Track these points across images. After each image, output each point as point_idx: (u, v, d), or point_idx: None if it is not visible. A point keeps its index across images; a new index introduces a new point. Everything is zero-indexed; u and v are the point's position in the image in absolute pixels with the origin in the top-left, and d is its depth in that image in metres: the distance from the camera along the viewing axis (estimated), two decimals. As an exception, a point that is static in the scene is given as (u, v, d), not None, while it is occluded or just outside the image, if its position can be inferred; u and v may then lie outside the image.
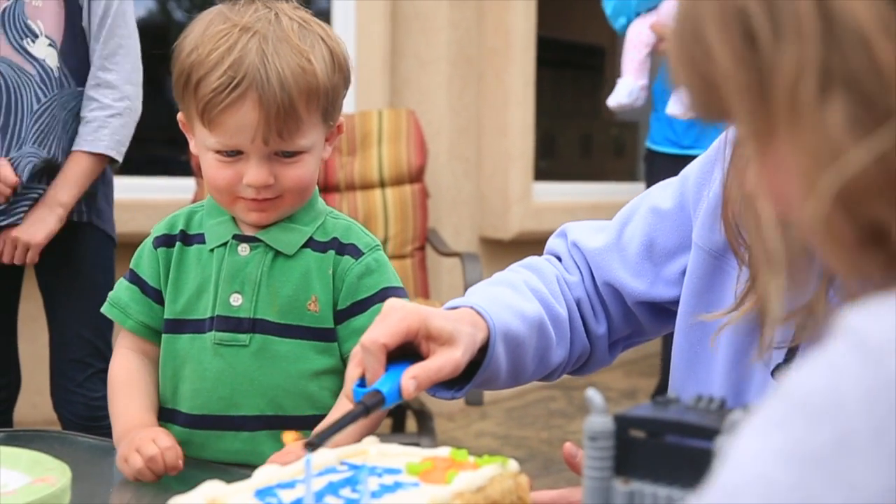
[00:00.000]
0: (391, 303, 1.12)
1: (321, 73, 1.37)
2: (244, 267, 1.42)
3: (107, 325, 2.55)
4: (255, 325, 1.41)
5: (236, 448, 1.41)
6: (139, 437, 1.34)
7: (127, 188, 3.63)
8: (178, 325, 1.44)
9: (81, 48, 2.51)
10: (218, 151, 1.39)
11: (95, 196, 2.57)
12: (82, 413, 2.54)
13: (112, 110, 2.51)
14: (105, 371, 2.30)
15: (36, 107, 2.43)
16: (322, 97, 1.38)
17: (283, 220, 1.45)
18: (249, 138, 1.36)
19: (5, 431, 1.51)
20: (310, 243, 1.44)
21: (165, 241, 1.47)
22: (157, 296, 1.46)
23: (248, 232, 1.44)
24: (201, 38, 1.38)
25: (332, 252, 1.43)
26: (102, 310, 1.48)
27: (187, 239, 1.46)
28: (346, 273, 1.42)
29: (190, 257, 1.45)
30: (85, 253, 2.56)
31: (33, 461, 1.17)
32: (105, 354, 2.52)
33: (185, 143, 1.50)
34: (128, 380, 1.43)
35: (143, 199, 3.79)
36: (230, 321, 1.41)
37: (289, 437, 0.96)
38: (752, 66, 0.55)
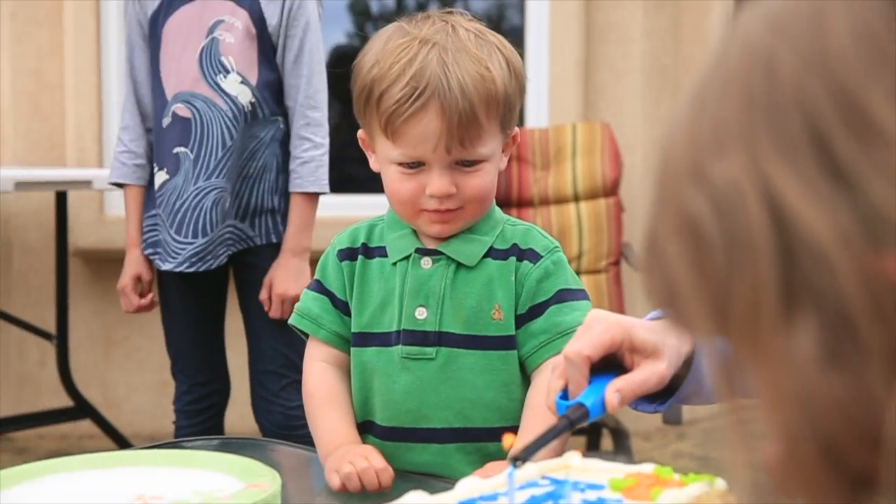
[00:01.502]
0: (594, 314, 1.12)
1: (500, 80, 1.39)
2: (428, 280, 1.43)
3: (298, 338, 2.60)
4: (440, 339, 1.42)
5: (425, 460, 1.43)
6: (351, 453, 1.36)
7: (325, 206, 3.65)
8: (365, 339, 1.45)
9: (275, 83, 2.60)
10: (400, 164, 1.41)
11: (276, 217, 2.66)
12: (280, 422, 2.63)
13: (323, 149, 2.61)
14: (299, 382, 2.42)
15: (228, 142, 2.54)
16: (501, 104, 1.40)
17: (464, 232, 1.45)
18: (432, 147, 1.37)
19: (219, 438, 1.58)
20: (490, 252, 1.45)
21: (349, 254, 1.48)
22: (345, 308, 1.47)
23: (430, 245, 1.45)
24: (382, 52, 1.40)
25: (512, 259, 1.44)
26: (291, 321, 1.50)
27: (369, 252, 1.47)
28: (525, 277, 1.43)
29: (373, 271, 1.46)
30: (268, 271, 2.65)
31: (246, 468, 1.21)
32: (298, 365, 2.54)
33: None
34: (329, 394, 1.45)
35: (342, 217, 3.79)
36: (416, 335, 1.42)
37: (508, 440, 0.96)
38: (709, 281, 0.50)
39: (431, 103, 1.36)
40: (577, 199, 3.69)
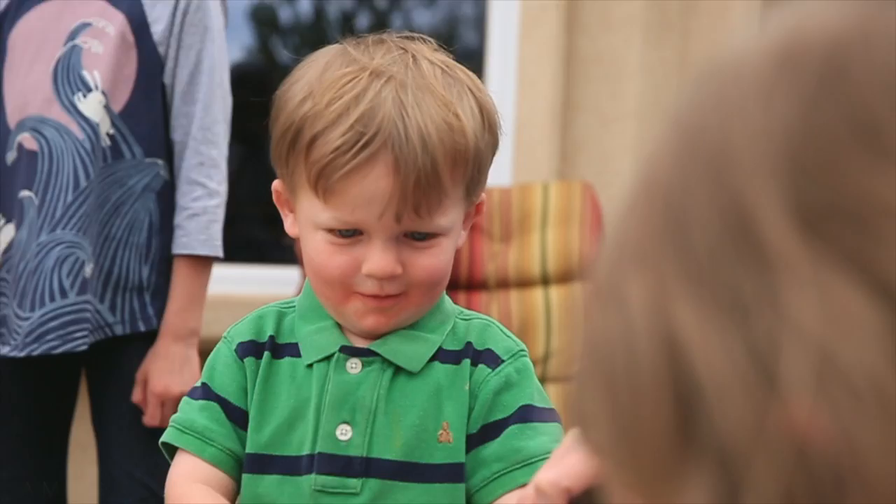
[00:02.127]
0: (572, 436, 1.09)
1: (470, 131, 1.31)
2: (355, 389, 1.33)
3: (164, 463, 2.21)
4: (369, 467, 1.31)
5: None
6: None
7: (214, 280, 3.28)
8: (263, 463, 1.33)
9: (155, 110, 2.32)
10: (331, 230, 1.30)
11: (143, 298, 2.35)
12: None
13: (219, 199, 2.35)
14: None
15: (82, 182, 2.25)
16: (470, 163, 1.32)
17: (406, 328, 1.36)
18: (377, 214, 1.27)
19: None
20: (438, 354, 1.36)
21: (252, 349, 1.36)
22: (243, 419, 1.35)
23: (360, 343, 1.35)
24: (318, 82, 1.30)
25: (466, 362, 1.36)
26: (165, 439, 1.38)
27: (277, 350, 1.36)
28: (479, 388, 1.35)
29: (281, 374, 1.35)
30: (133, 371, 2.34)
31: None
32: (160, 497, 2.34)
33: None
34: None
35: (231, 295, 3.37)
36: (336, 461, 1.31)
37: None
38: (618, 416, 0.49)
39: (381, 155, 1.27)
40: (545, 281, 3.43)
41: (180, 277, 2.33)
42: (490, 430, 1.34)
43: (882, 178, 0.43)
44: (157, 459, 2.42)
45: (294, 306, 1.39)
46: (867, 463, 0.42)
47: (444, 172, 1.30)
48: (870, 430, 0.42)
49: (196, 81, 2.33)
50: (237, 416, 1.36)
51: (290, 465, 1.34)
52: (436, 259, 1.33)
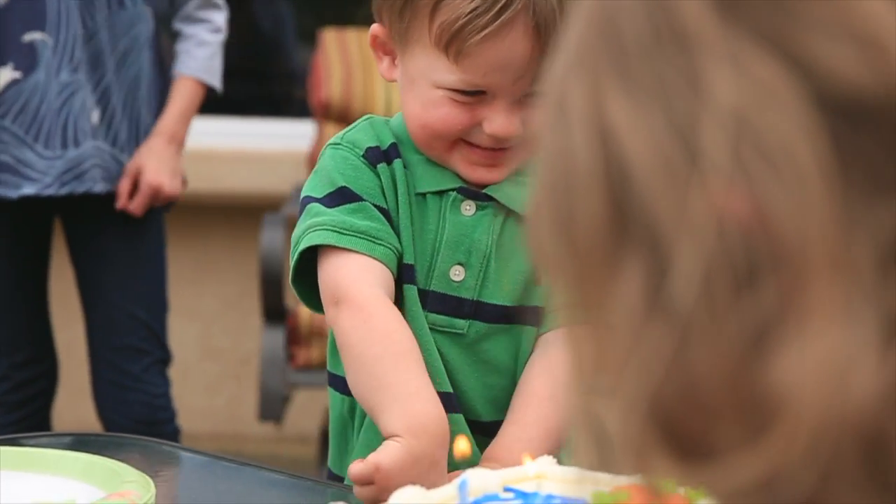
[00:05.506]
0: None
1: None
2: (471, 232, 1.24)
3: (163, 306, 2.33)
4: (478, 311, 1.25)
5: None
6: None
7: (208, 133, 3.13)
8: (410, 273, 1.23)
9: None
10: (454, 90, 1.19)
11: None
12: (142, 416, 2.25)
13: (222, 36, 2.31)
14: (164, 361, 2.21)
15: (89, 24, 2.16)
16: None
17: (517, 175, 1.27)
18: (512, 78, 1.18)
19: (72, 434, 1.45)
20: None
21: (381, 156, 1.24)
22: (391, 220, 1.22)
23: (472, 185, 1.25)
24: None
25: None
26: (321, 241, 1.18)
27: (405, 165, 1.24)
28: None
29: (408, 188, 1.25)
30: (136, 217, 2.25)
31: (109, 472, 1.12)
32: (162, 341, 2.29)
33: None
34: (412, 345, 1.17)
35: (231, 149, 3.29)
36: (448, 301, 1.24)
37: (462, 444, 0.97)
38: (558, 213, 0.48)
39: (521, 18, 1.16)
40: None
41: (182, 92, 2.26)
42: None
43: None
44: (156, 298, 2.34)
45: (391, 126, 1.29)
46: (780, 235, 0.42)
47: None
48: (783, 199, 0.42)
49: None
50: (388, 217, 1.26)
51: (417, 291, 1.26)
52: None
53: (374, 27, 1.24)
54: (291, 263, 1.20)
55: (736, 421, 0.45)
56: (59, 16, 2.13)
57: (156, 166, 2.18)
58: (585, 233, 0.47)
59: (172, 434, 2.22)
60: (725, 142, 0.43)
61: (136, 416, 2.23)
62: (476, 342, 1.25)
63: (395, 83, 1.27)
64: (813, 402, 0.42)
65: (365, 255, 1.19)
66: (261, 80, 3.72)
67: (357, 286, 1.17)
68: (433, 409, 1.11)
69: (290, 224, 1.34)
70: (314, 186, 1.22)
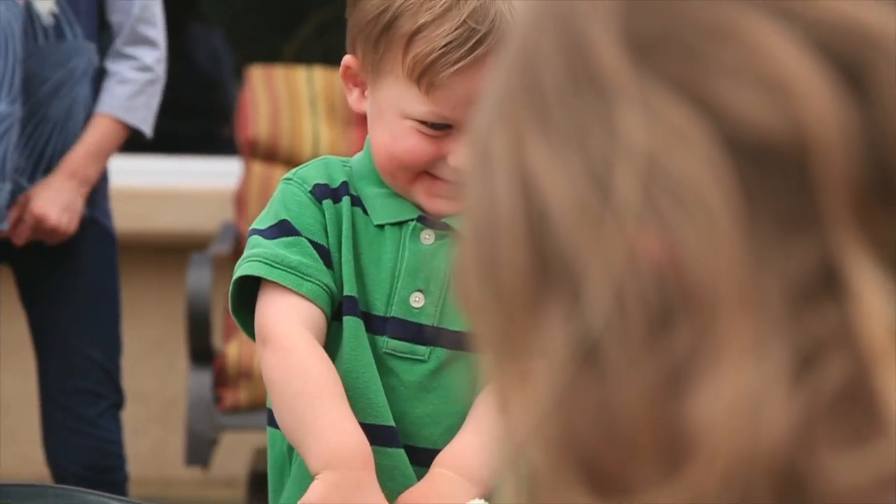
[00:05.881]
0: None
1: None
2: (430, 260, 1.26)
3: (117, 347, 2.31)
4: (438, 337, 1.26)
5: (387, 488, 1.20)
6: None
7: (133, 172, 3.07)
8: (350, 306, 1.24)
9: None
10: (423, 122, 1.21)
11: (96, 185, 2.26)
12: (94, 461, 2.21)
13: (151, 75, 2.26)
14: (118, 405, 2.18)
15: (19, 53, 2.11)
16: None
17: None
18: None
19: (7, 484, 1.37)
20: None
21: (328, 193, 1.25)
22: (328, 258, 1.24)
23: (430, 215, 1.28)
24: None
25: None
26: (251, 272, 1.20)
27: (353, 201, 1.26)
28: None
29: (361, 225, 1.26)
30: (90, 257, 2.26)
31: None
32: (117, 383, 2.27)
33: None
34: (330, 379, 1.17)
35: (156, 188, 3.23)
36: (409, 327, 1.26)
37: None
38: (482, 260, 0.48)
39: (493, 54, 1.16)
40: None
41: (93, 130, 2.22)
42: None
43: (703, 2, 0.45)
44: (111, 339, 2.30)
45: (350, 164, 1.32)
46: (691, 275, 0.43)
47: None
48: (693, 240, 0.43)
49: None
50: (324, 254, 1.27)
51: (373, 324, 1.29)
52: None
53: (347, 58, 1.25)
54: (229, 293, 1.22)
55: (653, 458, 0.45)
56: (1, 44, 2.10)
57: (45, 198, 2.13)
58: (509, 278, 0.47)
59: (122, 481, 2.20)
60: (637, 183, 0.43)
61: (87, 461, 2.20)
62: (437, 369, 1.26)
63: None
64: (726, 438, 0.43)
65: (293, 291, 1.20)
66: (195, 116, 3.68)
67: (280, 326, 1.19)
68: (348, 437, 1.12)
69: (218, 263, 1.26)
70: (261, 219, 1.24)
